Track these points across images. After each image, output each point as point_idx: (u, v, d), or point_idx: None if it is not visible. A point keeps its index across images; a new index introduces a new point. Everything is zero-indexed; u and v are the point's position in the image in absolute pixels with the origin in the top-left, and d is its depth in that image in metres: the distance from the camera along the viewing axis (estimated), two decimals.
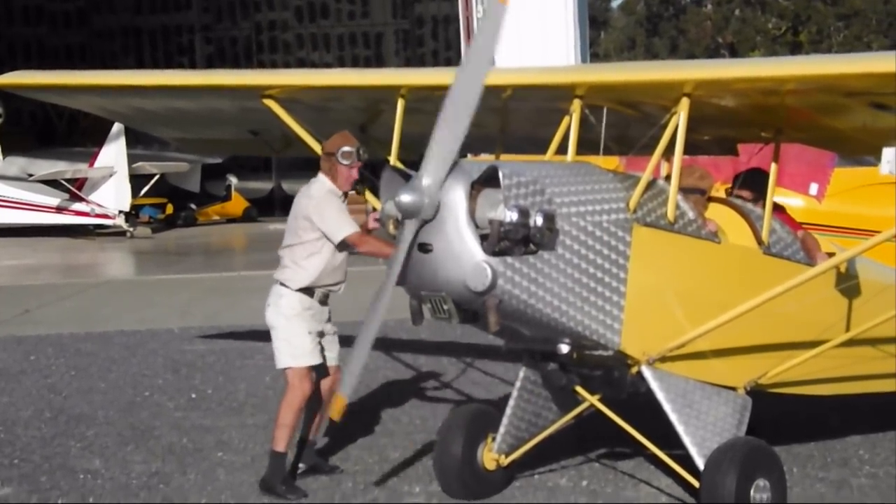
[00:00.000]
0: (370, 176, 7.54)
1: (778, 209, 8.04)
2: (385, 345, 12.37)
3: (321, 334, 7.77)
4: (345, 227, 7.51)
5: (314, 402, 7.86)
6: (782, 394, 7.69)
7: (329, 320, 7.84)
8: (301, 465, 7.97)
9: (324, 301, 7.75)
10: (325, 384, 7.88)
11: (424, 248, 6.41)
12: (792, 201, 12.45)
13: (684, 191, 7.24)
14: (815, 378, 7.69)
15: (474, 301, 6.43)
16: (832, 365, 7.68)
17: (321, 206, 7.54)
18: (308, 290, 7.64)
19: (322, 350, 7.78)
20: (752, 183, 7.96)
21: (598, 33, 63.03)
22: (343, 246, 7.62)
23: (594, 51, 54.60)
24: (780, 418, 8.63)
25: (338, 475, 8.02)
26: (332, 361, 7.89)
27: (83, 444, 9.08)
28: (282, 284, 7.67)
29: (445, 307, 6.51)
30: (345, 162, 7.51)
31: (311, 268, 7.58)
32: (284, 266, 7.68)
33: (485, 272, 6.33)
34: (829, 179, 12.66)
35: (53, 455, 8.78)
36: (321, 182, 7.64)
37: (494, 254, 6.37)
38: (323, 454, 8.26)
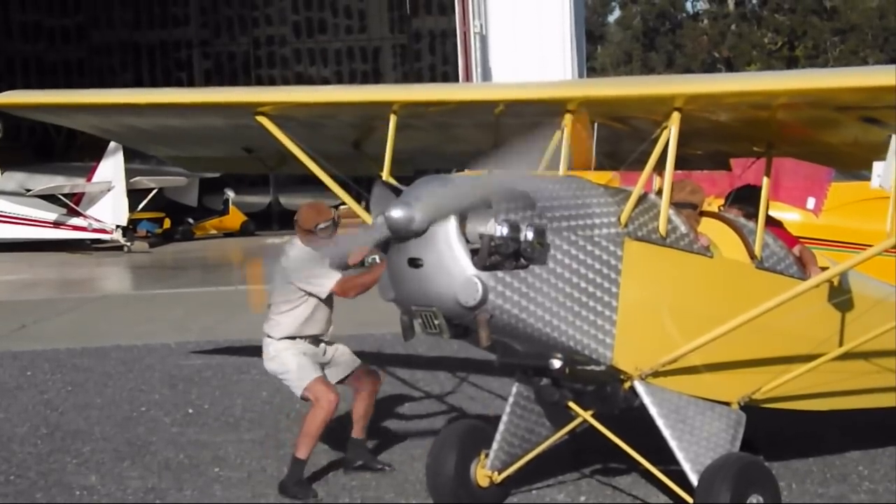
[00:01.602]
0: (362, 191, 7.60)
1: (775, 224, 8.05)
2: (381, 359, 12.36)
3: (320, 361, 8.11)
4: (326, 283, 7.93)
5: (358, 404, 8.27)
6: (777, 409, 7.69)
7: (325, 352, 8.19)
8: (357, 461, 8.34)
9: (313, 343, 8.13)
10: (361, 385, 8.21)
11: (415, 262, 6.42)
12: (788, 215, 12.46)
13: (676, 205, 7.25)
14: (810, 393, 7.68)
15: (465, 316, 6.44)
16: (827, 380, 7.67)
17: (306, 269, 7.94)
18: (291, 338, 8.05)
19: (327, 368, 8.14)
20: (743, 200, 7.97)
21: (594, 47, 63.13)
22: (332, 298, 8.03)
23: (591, 65, 54.76)
24: (778, 433, 8.62)
25: (338, 485, 8.13)
26: (353, 366, 8.24)
27: (79, 460, 9.08)
28: (267, 336, 8.12)
29: (436, 322, 6.51)
30: (324, 235, 7.97)
31: (292, 319, 8.04)
32: (268, 319, 8.14)
33: (475, 287, 6.34)
34: (826, 194, 12.66)
35: (49, 471, 8.78)
36: (298, 247, 8.08)
37: (485, 268, 6.38)
38: (326, 465, 8.41)
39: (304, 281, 7.93)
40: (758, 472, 6.97)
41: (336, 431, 9.18)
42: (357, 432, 8.33)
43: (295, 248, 8.06)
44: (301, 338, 8.05)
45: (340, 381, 8.21)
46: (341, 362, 8.24)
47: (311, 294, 7.97)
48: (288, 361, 8.01)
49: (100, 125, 9.61)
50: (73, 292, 20.94)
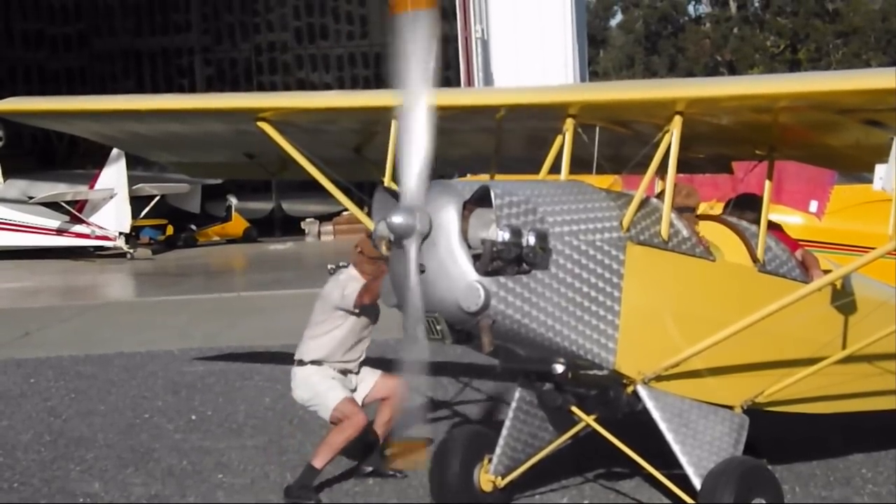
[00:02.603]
0: (364, 197, 7.62)
1: (776, 228, 8.04)
2: (384, 365, 12.35)
3: (347, 387, 8.18)
4: (352, 294, 8.06)
5: (383, 411, 8.30)
6: (780, 412, 7.68)
7: (352, 381, 8.25)
8: (367, 467, 8.35)
9: (343, 372, 8.19)
10: (386, 394, 8.22)
11: (417, 268, 6.41)
12: (791, 219, 12.45)
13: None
14: (813, 396, 7.68)
15: (467, 321, 6.43)
16: (829, 383, 7.66)
17: (343, 287, 8.08)
18: (318, 363, 8.09)
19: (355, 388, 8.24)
20: (743, 206, 7.96)
21: (597, 52, 63.20)
22: (366, 312, 8.14)
23: (593, 69, 54.79)
24: (781, 437, 8.60)
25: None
26: (374, 377, 8.30)
27: (83, 467, 9.08)
28: (297, 362, 8.16)
29: (438, 328, 6.51)
30: None
31: (325, 342, 8.09)
32: (300, 344, 8.22)
33: (477, 292, 6.33)
34: (829, 197, 12.64)
35: (53, 478, 8.78)
36: (348, 273, 8.21)
37: (487, 274, 6.37)
38: (330, 471, 8.34)
39: (342, 297, 8.05)
40: (761, 476, 6.96)
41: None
42: (378, 435, 8.36)
43: (344, 273, 8.18)
44: (330, 363, 8.09)
45: (365, 398, 8.26)
46: (363, 378, 8.29)
47: (346, 311, 8.05)
48: (315, 384, 8.05)
49: (101, 131, 9.62)
50: (76, 299, 20.95)
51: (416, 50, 6.02)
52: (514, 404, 7.50)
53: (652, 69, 61.86)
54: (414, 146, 6.12)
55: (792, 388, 7.42)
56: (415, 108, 6.06)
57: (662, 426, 6.94)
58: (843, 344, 7.69)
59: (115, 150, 25.61)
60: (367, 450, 8.39)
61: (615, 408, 7.04)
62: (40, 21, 38.05)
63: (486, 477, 7.49)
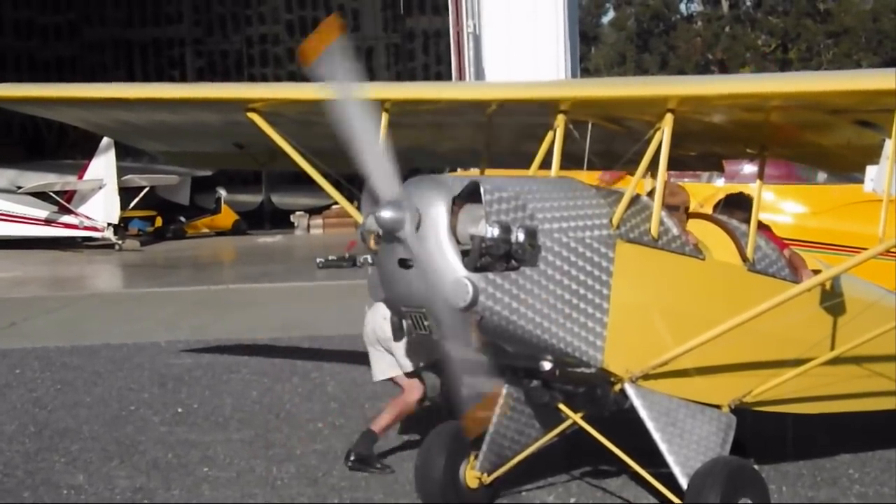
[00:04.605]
0: (354, 190, 7.57)
1: (764, 229, 8.04)
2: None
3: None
4: None
5: (394, 404, 8.37)
6: (768, 412, 7.67)
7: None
8: (353, 455, 8.32)
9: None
10: (405, 384, 8.26)
11: (405, 263, 6.39)
12: (779, 218, 12.47)
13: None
14: (801, 396, 7.67)
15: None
16: (818, 383, 7.65)
17: None
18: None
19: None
20: (734, 205, 7.96)
21: (588, 49, 63.24)
22: None
23: (585, 66, 54.85)
24: (769, 436, 8.60)
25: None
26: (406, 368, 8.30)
27: (67, 459, 9.04)
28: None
29: (426, 323, 6.48)
30: None
31: None
32: None
33: (466, 288, 6.30)
34: None
35: (37, 470, 8.74)
36: None
37: (476, 270, 6.35)
38: (316, 465, 8.33)
39: None
40: (748, 476, 6.94)
41: (343, 430, 9.14)
42: (376, 427, 8.35)
43: None
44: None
45: (392, 376, 8.26)
46: (401, 356, 8.25)
47: None
48: (393, 346, 8.07)
49: (91, 119, 9.57)
50: (63, 290, 20.92)
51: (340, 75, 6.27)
52: (501, 401, 7.47)
53: (643, 67, 61.92)
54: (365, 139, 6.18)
55: (780, 388, 7.41)
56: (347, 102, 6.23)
57: (649, 425, 6.91)
58: (831, 345, 7.68)
59: (104, 141, 25.57)
60: (363, 437, 8.33)
61: (602, 406, 7.02)
62: (31, 10, 37.95)
63: (472, 473, 7.46)
